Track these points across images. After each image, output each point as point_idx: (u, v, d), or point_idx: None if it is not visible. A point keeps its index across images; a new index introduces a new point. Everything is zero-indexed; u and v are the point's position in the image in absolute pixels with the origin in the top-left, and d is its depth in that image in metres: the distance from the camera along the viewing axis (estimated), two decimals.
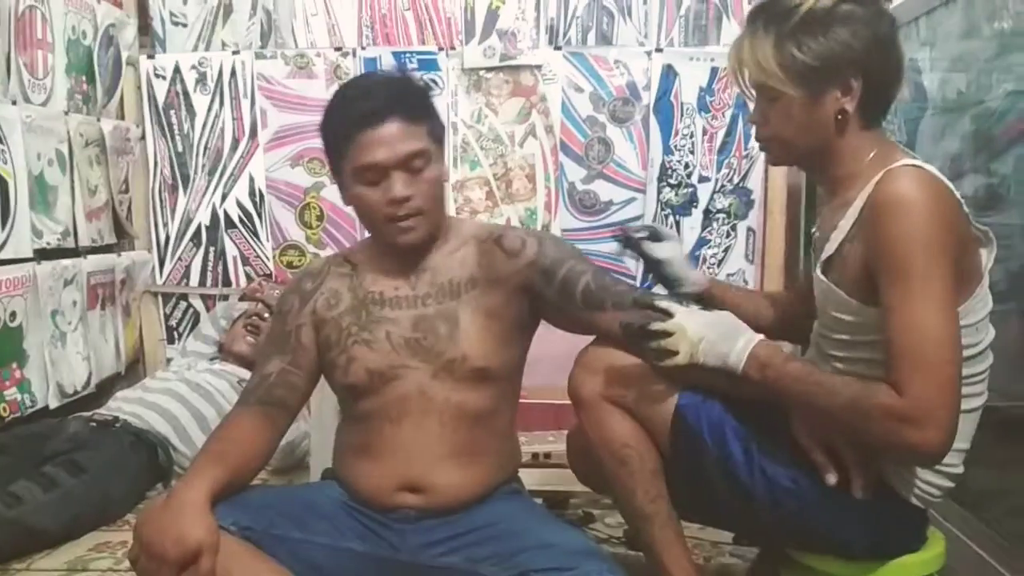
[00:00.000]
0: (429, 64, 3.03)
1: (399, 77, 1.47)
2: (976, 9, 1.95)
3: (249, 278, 3.11)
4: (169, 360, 3.04)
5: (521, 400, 1.56)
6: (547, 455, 2.18)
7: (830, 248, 1.28)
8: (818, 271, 1.30)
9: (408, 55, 3.04)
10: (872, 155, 1.27)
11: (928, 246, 1.13)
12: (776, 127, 1.32)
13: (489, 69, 3.03)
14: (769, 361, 1.25)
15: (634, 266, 3.04)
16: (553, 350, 1.99)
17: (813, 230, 1.43)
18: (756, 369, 1.25)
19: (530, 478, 1.59)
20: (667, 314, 1.29)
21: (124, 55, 3.03)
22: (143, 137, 3.11)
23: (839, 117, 1.26)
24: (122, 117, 3.07)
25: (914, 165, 1.21)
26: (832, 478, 1.25)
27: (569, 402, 1.50)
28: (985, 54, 1.95)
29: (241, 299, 2.92)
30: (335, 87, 2.96)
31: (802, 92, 1.26)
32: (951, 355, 1.14)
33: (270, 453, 1.44)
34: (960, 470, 1.30)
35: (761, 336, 1.29)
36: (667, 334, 1.28)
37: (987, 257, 1.25)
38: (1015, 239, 1.80)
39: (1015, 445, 1.71)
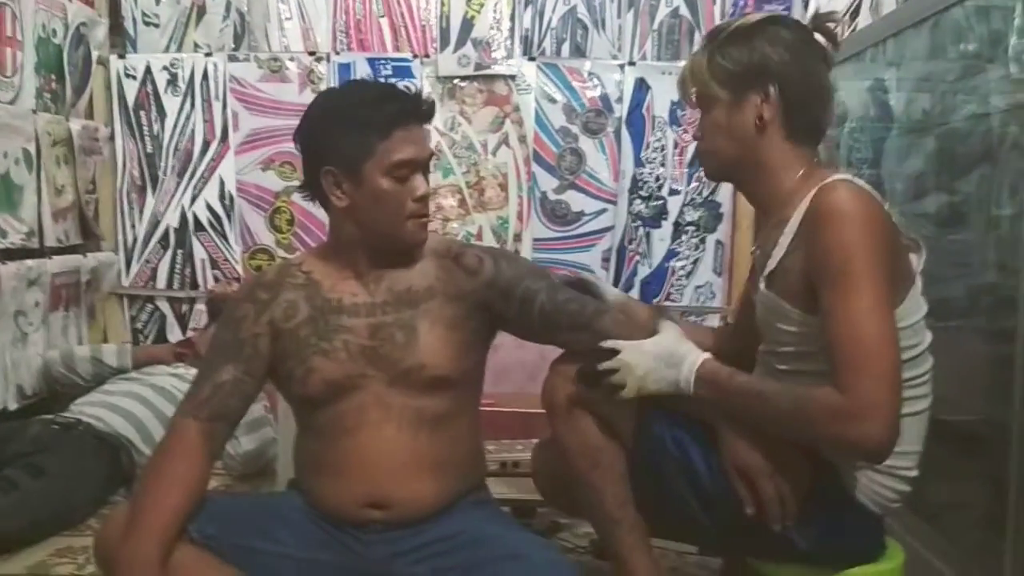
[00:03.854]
0: (403, 71, 3.03)
1: (395, 85, 1.51)
2: (942, 31, 2.00)
3: (217, 281, 3.08)
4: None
5: (490, 408, 1.57)
6: (515, 464, 2.18)
7: (772, 263, 1.32)
8: (762, 286, 1.34)
9: (382, 61, 3.04)
10: (801, 173, 1.34)
11: (864, 252, 1.19)
12: (707, 136, 1.41)
13: (463, 78, 3.05)
14: (714, 378, 1.29)
15: (604, 276, 3.07)
16: (524, 357, 2.01)
17: (753, 250, 1.47)
18: (704, 388, 1.30)
19: (498, 487, 1.59)
20: (613, 352, 1.35)
21: (94, 54, 2.99)
22: (112, 137, 3.08)
23: (759, 122, 1.34)
24: (91, 117, 3.03)
25: (846, 179, 1.28)
26: (750, 510, 1.29)
27: (537, 411, 1.51)
28: (950, 75, 1.99)
29: (209, 302, 2.89)
30: (308, 92, 3.00)
31: (726, 94, 1.36)
32: (889, 351, 1.17)
33: (209, 476, 1.41)
34: (915, 473, 1.33)
35: (706, 355, 1.32)
36: (613, 372, 1.34)
37: (917, 262, 1.31)
38: (975, 257, 1.83)
39: (974, 458, 1.74)
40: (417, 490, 1.39)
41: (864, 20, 2.54)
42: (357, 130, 1.37)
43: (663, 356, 1.33)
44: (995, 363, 1.66)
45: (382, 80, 2.95)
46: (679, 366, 1.31)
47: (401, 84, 1.53)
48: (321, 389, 1.40)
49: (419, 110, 1.42)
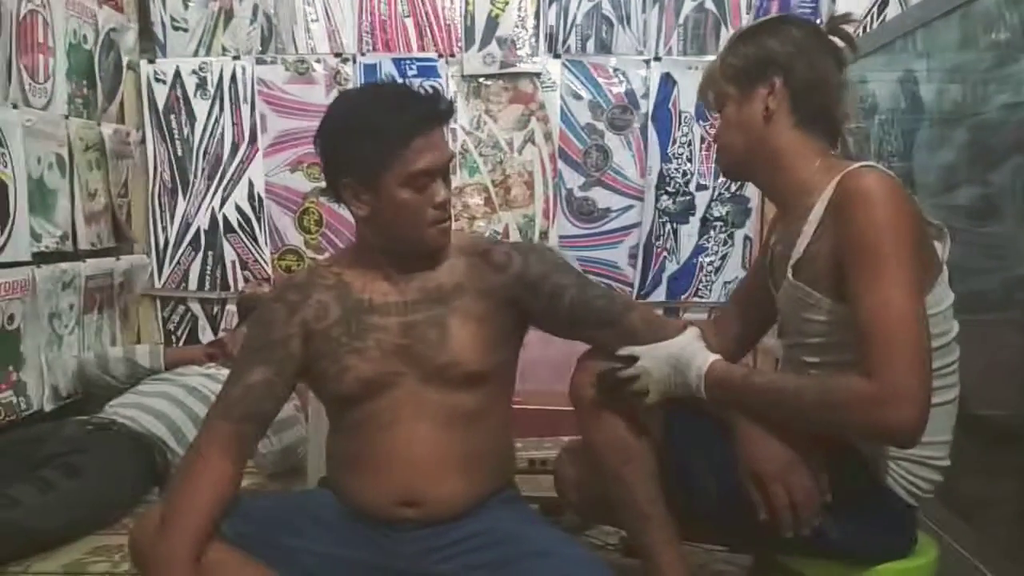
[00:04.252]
0: (429, 71, 3.04)
1: (415, 85, 1.45)
2: (973, 21, 1.96)
3: (247, 282, 3.11)
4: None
5: (518, 406, 1.57)
6: (543, 462, 2.18)
7: (797, 253, 1.32)
8: (789, 275, 1.33)
9: (408, 62, 3.05)
10: (818, 163, 1.34)
11: (894, 234, 1.18)
12: (722, 135, 1.44)
13: (488, 76, 3.05)
14: (726, 381, 1.29)
15: (631, 273, 3.06)
16: (551, 355, 2.00)
17: (773, 242, 1.47)
18: (717, 392, 1.29)
19: (526, 484, 1.59)
20: (632, 359, 1.35)
21: (125, 59, 3.04)
22: (143, 141, 3.12)
23: (766, 112, 1.36)
24: (122, 121, 3.08)
25: (871, 165, 1.28)
26: (764, 516, 1.27)
27: (565, 408, 1.51)
28: (982, 65, 1.96)
29: (240, 303, 2.92)
30: (335, 93, 3.02)
31: (735, 89, 1.39)
32: (918, 334, 1.16)
33: (241, 476, 1.42)
34: (946, 463, 1.32)
35: (715, 357, 1.32)
36: (635, 379, 1.34)
37: (942, 250, 1.30)
38: (1009, 249, 1.80)
39: (1009, 453, 1.71)
40: (450, 489, 1.40)
41: (893, 10, 2.51)
42: (372, 142, 1.35)
43: (673, 361, 1.33)
44: None
45: (404, 81, 2.96)
46: (687, 370, 1.31)
47: (420, 84, 1.50)
48: (355, 387, 1.41)
49: (437, 113, 1.39)
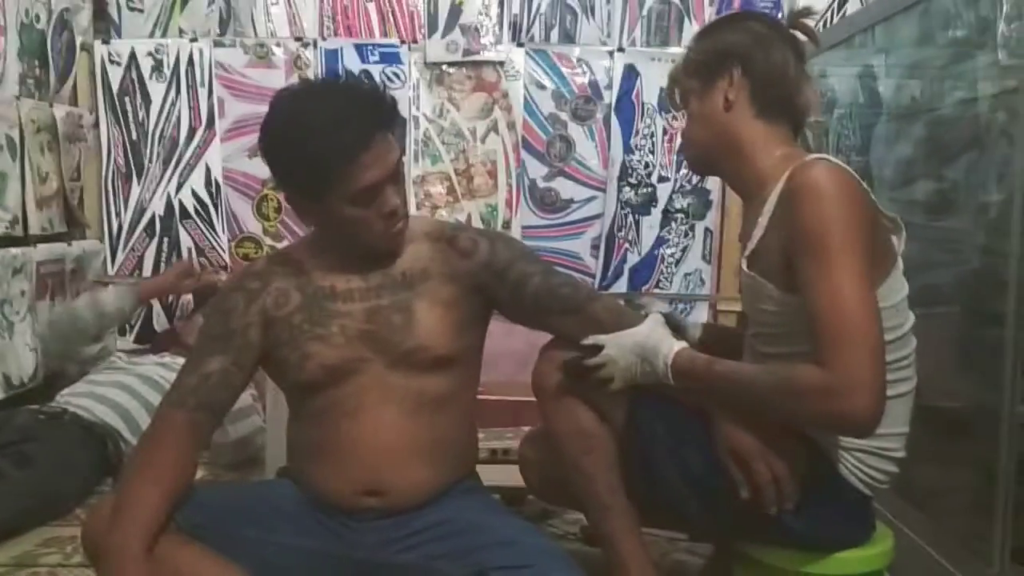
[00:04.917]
0: (391, 57, 3.01)
1: (355, 86, 1.39)
2: (931, 17, 1.99)
3: (202, 268, 3.06)
4: (120, 352, 2.97)
5: (480, 396, 1.57)
6: (505, 451, 2.18)
7: (752, 244, 1.33)
8: (744, 266, 1.35)
9: (370, 47, 3.02)
10: (778, 154, 1.35)
11: (841, 225, 1.19)
12: (687, 130, 1.47)
13: (452, 64, 3.03)
14: (690, 369, 1.30)
15: (594, 264, 3.07)
16: (513, 346, 2.00)
17: (740, 235, 1.48)
18: (682, 379, 1.30)
19: (488, 474, 1.59)
20: (597, 347, 1.36)
21: (78, 40, 2.96)
22: (96, 124, 3.04)
23: (727, 101, 1.38)
24: (75, 103, 3.00)
25: (822, 158, 1.29)
26: (745, 493, 1.28)
27: (527, 399, 1.51)
28: (939, 61, 1.99)
29: (196, 291, 2.87)
30: (295, 78, 2.97)
31: (696, 83, 1.42)
32: (870, 324, 1.17)
33: (196, 466, 1.41)
34: (902, 454, 1.34)
35: (681, 344, 1.33)
36: (599, 367, 1.35)
37: (897, 243, 1.32)
38: (964, 243, 1.84)
39: (964, 443, 1.75)
40: (413, 477, 1.39)
41: (853, 6, 2.54)
42: (313, 165, 1.30)
43: (638, 349, 1.34)
44: (985, 349, 1.67)
45: (363, 68, 2.94)
46: (655, 358, 1.32)
47: (362, 79, 1.44)
48: (318, 374, 1.39)
49: (376, 125, 1.32)
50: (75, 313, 2.62)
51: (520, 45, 3.02)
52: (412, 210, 1.76)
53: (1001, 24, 1.70)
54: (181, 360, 2.61)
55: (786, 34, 1.41)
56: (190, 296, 2.93)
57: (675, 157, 3.05)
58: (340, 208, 1.34)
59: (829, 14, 2.75)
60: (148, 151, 3.06)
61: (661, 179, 3.06)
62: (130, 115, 3.05)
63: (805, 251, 1.21)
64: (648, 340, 1.34)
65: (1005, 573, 1.55)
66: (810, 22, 1.45)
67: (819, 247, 1.19)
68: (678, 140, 3.01)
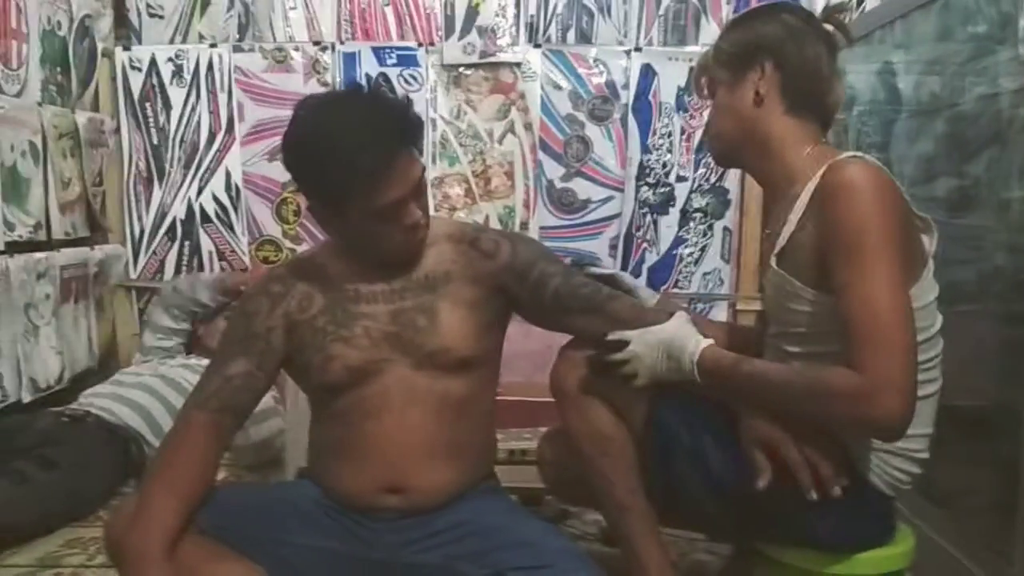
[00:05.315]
0: (408, 60, 3.02)
1: (380, 99, 1.39)
2: (951, 13, 1.98)
3: (226, 272, 3.08)
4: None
5: (498, 397, 1.57)
6: (523, 452, 2.18)
7: (782, 241, 1.31)
8: (773, 263, 1.33)
9: (387, 51, 3.03)
10: (808, 150, 1.34)
11: (878, 227, 1.18)
12: (714, 121, 1.45)
13: (469, 66, 3.03)
14: (716, 367, 1.29)
15: (612, 264, 3.06)
16: (531, 347, 2.00)
17: (766, 231, 1.47)
18: (708, 377, 1.29)
19: (506, 475, 1.59)
20: (622, 343, 1.35)
21: (99, 46, 2.99)
22: (118, 129, 3.07)
23: (756, 97, 1.37)
24: (97, 109, 3.03)
25: (858, 156, 1.27)
26: (763, 482, 1.26)
27: (545, 400, 1.51)
28: (959, 57, 1.97)
29: (223, 294, 2.89)
30: (313, 82, 2.99)
31: (726, 74, 1.40)
32: (904, 328, 1.17)
33: (218, 468, 1.41)
34: (926, 455, 1.33)
35: (708, 341, 1.32)
36: (625, 362, 1.34)
37: (929, 243, 1.30)
38: (986, 240, 1.82)
39: (985, 443, 1.73)
40: (435, 477, 1.39)
41: (872, 2, 2.52)
42: (335, 181, 1.30)
43: (665, 346, 1.33)
44: (1007, 347, 1.65)
45: (382, 73, 2.95)
46: (680, 355, 1.31)
47: (388, 93, 1.44)
48: (342, 375, 1.40)
49: (403, 140, 1.33)
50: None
51: (537, 46, 3.02)
52: (430, 211, 1.77)
53: (1022, 19, 1.68)
54: (205, 362, 2.65)
55: (819, 28, 1.39)
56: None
57: (693, 156, 3.03)
58: (361, 223, 1.35)
59: (849, 10, 2.73)
60: (169, 156, 3.09)
61: (679, 178, 3.05)
62: (151, 120, 3.08)
63: (840, 252, 1.20)
64: (675, 337, 1.33)
65: None
66: (844, 16, 1.43)
67: (855, 248, 1.18)
68: (696, 139, 3.01)
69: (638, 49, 3.01)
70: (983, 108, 1.86)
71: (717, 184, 3.06)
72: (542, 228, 3.05)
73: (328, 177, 1.31)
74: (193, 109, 3.07)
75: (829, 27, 1.40)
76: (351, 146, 1.28)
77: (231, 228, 3.10)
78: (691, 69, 3.02)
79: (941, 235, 1.32)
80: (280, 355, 1.44)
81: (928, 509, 1.77)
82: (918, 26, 2.14)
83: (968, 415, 1.70)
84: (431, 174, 3.02)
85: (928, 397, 1.30)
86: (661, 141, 3.03)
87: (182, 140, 3.08)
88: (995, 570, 1.58)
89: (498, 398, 1.57)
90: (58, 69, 2.75)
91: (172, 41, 3.08)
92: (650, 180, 3.05)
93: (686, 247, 3.09)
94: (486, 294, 1.45)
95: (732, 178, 3.04)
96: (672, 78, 2.98)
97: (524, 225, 3.06)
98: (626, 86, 3.01)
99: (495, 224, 3.05)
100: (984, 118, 1.86)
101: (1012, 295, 1.65)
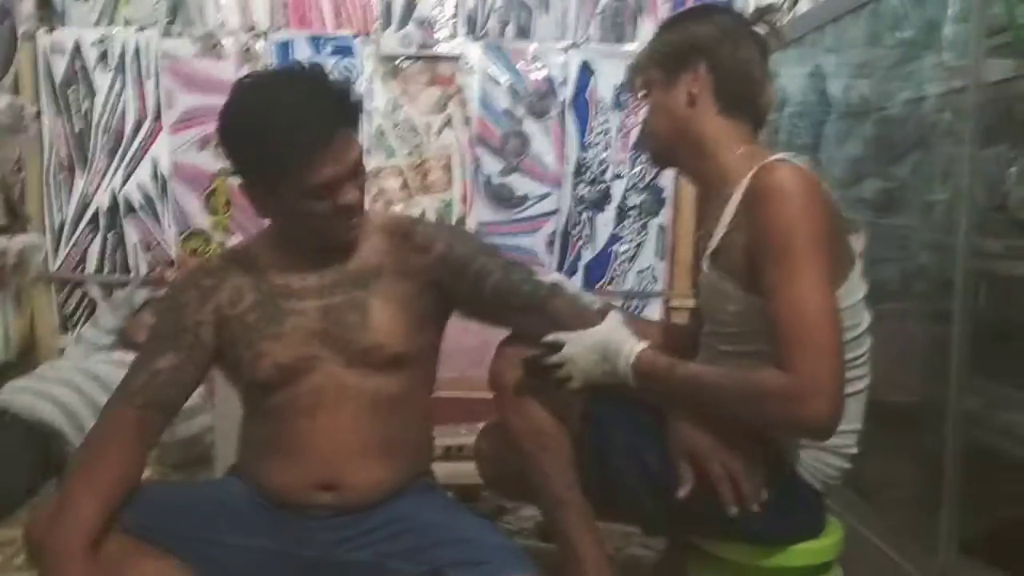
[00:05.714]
0: (344, 50, 2.98)
1: (320, 78, 1.35)
2: (880, 18, 2.03)
3: (151, 266, 3.00)
4: (63, 350, 2.90)
5: (434, 394, 1.55)
6: (459, 448, 2.17)
7: (715, 242, 1.33)
8: (705, 265, 1.35)
9: (323, 40, 2.98)
10: (740, 151, 1.36)
11: (806, 230, 1.20)
12: (649, 121, 1.46)
13: (406, 58, 3.00)
14: (652, 370, 1.30)
15: (549, 260, 3.07)
16: (467, 343, 1.99)
17: (699, 230, 1.50)
18: (643, 380, 1.30)
19: (442, 471, 1.58)
20: (557, 345, 1.35)
21: (20, 28, 2.88)
22: (39, 115, 2.96)
23: (690, 97, 1.38)
24: (17, 93, 2.91)
25: (786, 158, 1.29)
26: (683, 492, 1.28)
27: (481, 395, 1.50)
28: (887, 62, 2.03)
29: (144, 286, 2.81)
30: (245, 70, 2.91)
31: (660, 74, 1.41)
32: (831, 329, 1.19)
33: (143, 465, 1.36)
34: (855, 450, 1.36)
35: (642, 346, 1.32)
36: (559, 366, 1.34)
37: (856, 243, 1.33)
38: (911, 240, 1.87)
39: (911, 437, 1.78)
40: (369, 473, 1.37)
41: (804, 5, 2.58)
42: (271, 157, 1.28)
43: (600, 348, 1.33)
44: (931, 344, 1.70)
45: (317, 62, 2.90)
46: (616, 357, 1.31)
47: (330, 71, 1.41)
48: (272, 373, 1.37)
49: (341, 119, 1.32)
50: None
51: (476, 39, 3.01)
52: (366, 205, 1.73)
53: (948, 25, 1.73)
54: (131, 358, 2.58)
55: (751, 30, 1.41)
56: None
57: (630, 155, 3.06)
58: (296, 201, 1.32)
59: (780, 12, 2.78)
60: (93, 143, 2.98)
61: (615, 176, 3.07)
62: (74, 106, 2.97)
63: (769, 255, 1.21)
64: (610, 339, 1.33)
65: (951, 563, 1.58)
66: (773, 18, 1.45)
67: (783, 252, 1.20)
68: (632, 137, 3.03)
69: (576, 45, 3.02)
70: (909, 112, 1.92)
71: (652, 182, 3.09)
72: (480, 223, 3.04)
73: (264, 151, 1.28)
74: (119, 95, 2.97)
75: (761, 29, 1.43)
76: (289, 121, 1.27)
77: (157, 219, 3.01)
78: (629, 67, 3.04)
79: (868, 235, 1.35)
80: (210, 350, 1.40)
81: (856, 503, 1.81)
82: (849, 30, 2.19)
83: (894, 411, 1.74)
84: (367, 167, 2.98)
85: (856, 394, 1.32)
86: (598, 139, 3.05)
87: (107, 127, 2.98)
88: (920, 561, 1.62)
89: (433, 394, 1.55)
90: None
91: (98, 24, 2.97)
92: (587, 177, 3.07)
93: (621, 244, 3.11)
94: (419, 289, 1.43)
95: (667, 176, 3.08)
96: (610, 75, 3.00)
97: (462, 220, 3.04)
98: (564, 83, 3.02)
99: (432, 218, 3.03)
100: (910, 122, 1.91)
101: (937, 293, 1.70)
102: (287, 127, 1.26)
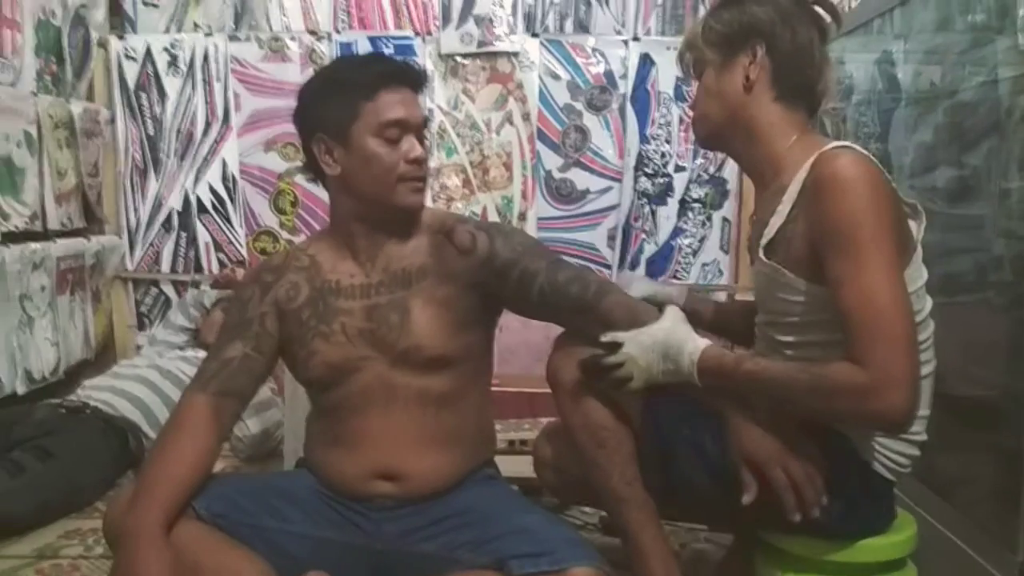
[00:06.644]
0: (405, 49, 3.01)
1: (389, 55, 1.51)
2: (950, 2, 1.97)
3: (222, 264, 3.08)
4: (139, 347, 3.00)
5: (496, 389, 1.56)
6: (523, 442, 2.18)
7: (770, 232, 1.30)
8: (761, 254, 1.32)
9: (384, 40, 3.02)
10: (795, 139, 1.32)
11: (872, 219, 1.17)
12: (699, 102, 1.42)
13: (466, 55, 3.02)
14: (719, 368, 1.27)
15: (610, 255, 3.05)
16: (530, 339, 2.01)
17: (753, 216, 1.45)
18: (708, 378, 1.27)
19: (506, 465, 1.59)
20: (615, 345, 1.32)
21: (94, 36, 2.98)
22: (113, 120, 3.06)
23: (746, 82, 1.34)
24: (92, 99, 3.02)
25: (847, 146, 1.26)
26: (748, 498, 1.26)
27: (543, 391, 1.50)
28: (958, 46, 1.97)
29: (214, 286, 2.89)
30: (310, 71, 2.97)
31: (715, 55, 1.37)
32: (905, 320, 1.16)
33: (218, 451, 1.41)
34: (924, 437, 1.33)
35: (706, 343, 1.30)
36: (618, 366, 1.32)
37: (916, 229, 1.29)
38: (985, 230, 1.82)
39: (988, 431, 1.73)
40: (427, 463, 1.39)
41: None
42: (342, 93, 1.38)
43: (660, 347, 1.30)
44: (1008, 335, 1.65)
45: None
46: (679, 356, 1.29)
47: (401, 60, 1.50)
48: (323, 372, 1.41)
49: (407, 74, 1.41)
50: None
51: (534, 35, 3.01)
52: (428, 202, 1.75)
53: (1021, 8, 1.67)
54: (202, 355, 2.65)
55: (812, 13, 1.37)
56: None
57: (692, 147, 3.03)
58: (366, 141, 1.37)
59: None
60: (165, 146, 3.08)
61: (678, 168, 3.05)
62: (146, 111, 3.07)
63: (834, 246, 1.18)
64: (671, 337, 1.30)
65: None
66: (834, 1, 1.41)
67: (849, 243, 1.17)
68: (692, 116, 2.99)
69: (636, 39, 3.00)
70: (982, 97, 1.86)
71: (716, 174, 3.05)
72: (540, 219, 3.05)
73: (337, 86, 1.40)
74: (189, 99, 3.06)
75: (820, 12, 1.38)
76: (364, 59, 1.50)
77: (228, 219, 3.09)
78: (681, 43, 2.98)
79: (942, 225, 1.31)
80: (276, 339, 1.45)
81: (929, 497, 1.77)
82: (917, 15, 2.13)
83: (971, 404, 1.69)
84: (429, 164, 3.01)
85: (923, 378, 1.29)
86: (659, 131, 3.03)
87: (178, 130, 3.07)
88: (998, 558, 1.58)
89: (497, 389, 1.56)
90: (52, 59, 2.74)
91: (167, 30, 3.07)
92: (648, 170, 3.05)
93: (684, 237, 3.09)
94: (460, 291, 1.42)
95: (731, 168, 3.04)
96: (671, 68, 2.97)
97: (522, 216, 3.05)
98: (624, 76, 3.00)
99: (493, 215, 3.05)
100: (983, 107, 1.85)
101: (1012, 283, 1.64)
102: (362, 63, 1.46)
